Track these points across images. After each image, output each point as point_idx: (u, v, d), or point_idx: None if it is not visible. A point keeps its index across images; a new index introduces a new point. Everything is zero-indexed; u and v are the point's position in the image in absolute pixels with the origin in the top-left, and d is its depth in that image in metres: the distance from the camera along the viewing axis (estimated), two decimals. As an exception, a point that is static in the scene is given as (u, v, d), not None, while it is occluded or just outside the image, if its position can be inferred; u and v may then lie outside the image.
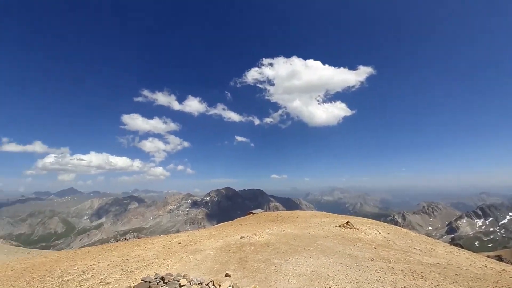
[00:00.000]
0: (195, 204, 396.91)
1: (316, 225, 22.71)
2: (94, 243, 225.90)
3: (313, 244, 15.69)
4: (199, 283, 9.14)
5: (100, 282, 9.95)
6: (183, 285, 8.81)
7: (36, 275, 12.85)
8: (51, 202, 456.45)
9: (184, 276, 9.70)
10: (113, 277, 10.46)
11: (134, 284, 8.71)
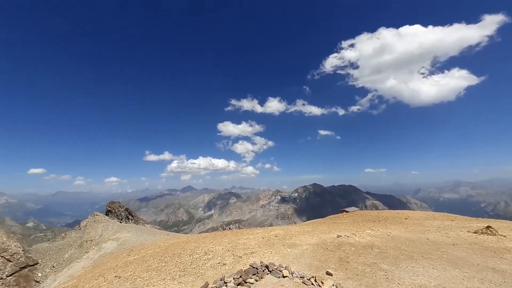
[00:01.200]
0: (283, 200, 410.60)
1: (436, 228, 18.37)
2: (207, 230, 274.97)
3: (435, 252, 12.76)
4: (300, 277, 9.34)
5: (219, 263, 11.99)
6: (286, 276, 9.25)
7: (175, 252, 16.98)
8: (178, 196, 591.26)
9: (286, 268, 10.17)
10: (227, 260, 12.36)
11: (244, 268, 9.93)
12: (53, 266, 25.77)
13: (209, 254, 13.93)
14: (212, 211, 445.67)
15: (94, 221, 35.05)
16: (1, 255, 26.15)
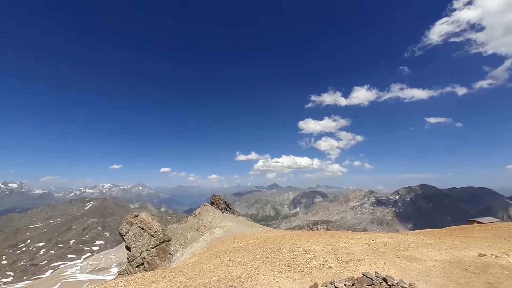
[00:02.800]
0: (379, 202, 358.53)
1: None
2: (293, 227, 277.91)
3: None
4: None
5: (323, 265, 11.55)
6: (414, 296, 7.70)
7: (274, 245, 17.79)
8: (265, 193, 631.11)
9: (410, 286, 8.51)
10: (332, 263, 11.72)
11: (356, 276, 9.03)
12: (181, 243, 32.90)
13: (309, 253, 13.70)
14: (297, 209, 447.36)
15: (205, 210, 42.33)
16: (148, 232, 35.73)
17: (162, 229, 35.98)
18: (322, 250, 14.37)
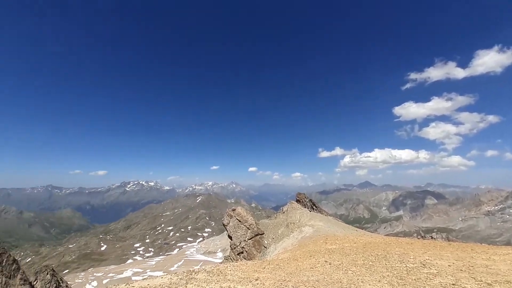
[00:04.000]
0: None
1: None
2: (396, 233, 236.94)
3: None
4: None
5: (453, 284, 8.97)
6: None
7: (377, 252, 15.52)
8: (355, 192, 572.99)
9: None
10: (467, 284, 8.93)
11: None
12: (273, 238, 34.55)
13: (430, 268, 11.02)
14: (401, 212, 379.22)
15: (292, 208, 42.74)
16: (244, 224, 39.52)
17: (255, 222, 39.01)
18: (450, 266, 11.24)
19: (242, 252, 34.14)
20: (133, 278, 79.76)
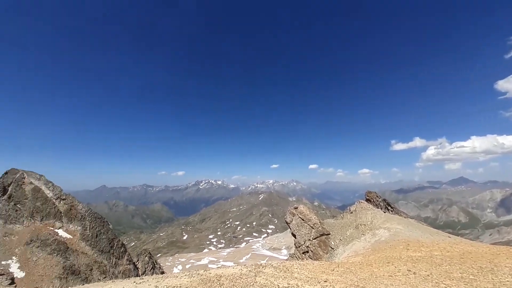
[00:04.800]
0: None
1: None
2: (508, 242, 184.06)
3: None
4: None
5: None
6: None
7: (480, 264, 12.33)
8: (445, 191, 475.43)
9: None
10: None
11: None
12: (340, 239, 32.31)
13: None
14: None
15: (361, 208, 38.85)
16: (307, 223, 38.41)
17: (320, 222, 37.39)
18: None
19: (307, 252, 33.32)
20: (209, 265, 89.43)
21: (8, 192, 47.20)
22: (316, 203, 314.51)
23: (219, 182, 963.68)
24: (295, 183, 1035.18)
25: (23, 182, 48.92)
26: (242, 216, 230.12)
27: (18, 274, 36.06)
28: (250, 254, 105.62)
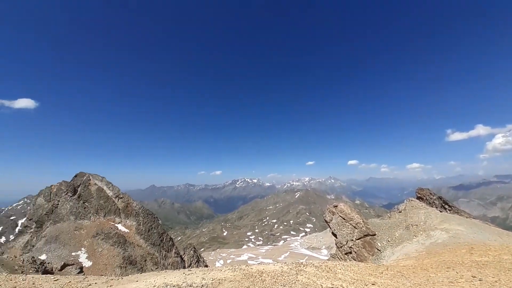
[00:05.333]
0: None
1: None
2: None
3: None
4: None
5: None
6: None
7: None
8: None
9: None
10: None
11: None
12: (388, 241, 29.79)
13: None
14: None
15: (412, 207, 35.16)
16: (349, 222, 36.34)
17: (363, 221, 35.07)
18: None
19: (350, 253, 31.57)
20: (249, 261, 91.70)
21: (78, 192, 55.42)
22: (357, 202, 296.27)
23: (255, 181, 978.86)
24: (333, 181, 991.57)
25: (89, 183, 56.89)
26: (279, 214, 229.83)
27: (86, 263, 42.12)
28: (288, 252, 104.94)
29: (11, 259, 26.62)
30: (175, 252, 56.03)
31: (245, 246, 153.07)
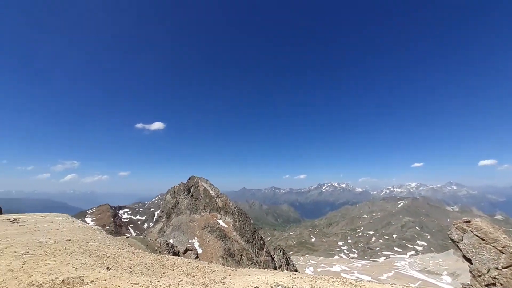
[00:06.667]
0: None
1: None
2: None
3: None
4: None
5: None
6: None
7: None
8: None
9: None
10: None
11: None
12: None
13: None
14: None
15: None
16: (492, 244, 26.73)
17: (515, 246, 25.06)
18: None
19: (493, 284, 23.09)
20: (342, 274, 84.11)
21: (191, 192, 68.36)
22: (499, 217, 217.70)
23: (343, 185, 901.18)
24: (454, 187, 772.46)
25: (198, 185, 69.20)
26: (377, 225, 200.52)
27: (199, 250, 50.77)
28: (393, 272, 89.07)
29: (152, 241, 35.83)
30: (266, 251, 59.02)
31: (336, 257, 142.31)
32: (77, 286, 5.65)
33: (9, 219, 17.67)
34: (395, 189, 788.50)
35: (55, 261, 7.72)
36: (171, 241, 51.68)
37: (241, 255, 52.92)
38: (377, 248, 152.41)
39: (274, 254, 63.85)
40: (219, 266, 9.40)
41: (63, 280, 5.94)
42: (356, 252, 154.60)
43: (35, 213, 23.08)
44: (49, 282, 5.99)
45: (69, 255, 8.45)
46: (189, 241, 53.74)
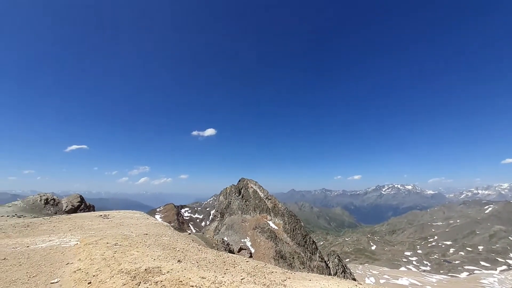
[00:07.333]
0: None
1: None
2: None
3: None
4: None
5: None
6: None
7: None
8: None
9: None
10: None
11: None
12: None
13: None
14: None
15: None
16: None
17: None
18: None
19: None
20: (412, 289, 73.86)
21: (241, 193, 71.01)
22: None
23: (409, 187, 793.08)
24: None
25: (248, 186, 71.45)
26: (456, 235, 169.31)
27: (251, 250, 52.06)
28: (480, 291, 73.67)
29: (210, 238, 38.59)
30: (319, 256, 56.46)
31: (403, 268, 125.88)
32: (156, 275, 6.51)
33: (101, 215, 21.76)
34: (479, 191, 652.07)
35: (137, 251, 9.08)
36: (225, 239, 54.65)
37: (293, 258, 52.01)
38: (457, 262, 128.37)
39: (329, 260, 60.53)
40: (276, 267, 9.44)
41: (145, 269, 6.93)
42: (429, 264, 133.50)
43: (119, 210, 27.70)
44: (135, 270, 7.08)
45: (147, 247, 9.83)
46: (242, 240, 55.76)
